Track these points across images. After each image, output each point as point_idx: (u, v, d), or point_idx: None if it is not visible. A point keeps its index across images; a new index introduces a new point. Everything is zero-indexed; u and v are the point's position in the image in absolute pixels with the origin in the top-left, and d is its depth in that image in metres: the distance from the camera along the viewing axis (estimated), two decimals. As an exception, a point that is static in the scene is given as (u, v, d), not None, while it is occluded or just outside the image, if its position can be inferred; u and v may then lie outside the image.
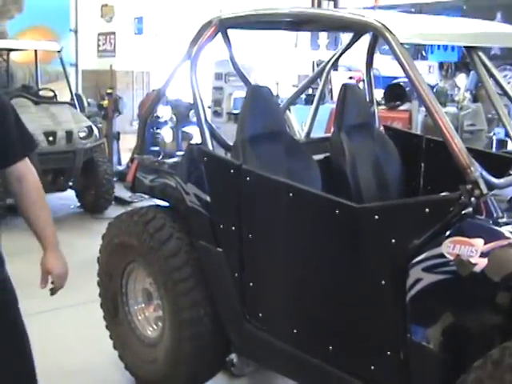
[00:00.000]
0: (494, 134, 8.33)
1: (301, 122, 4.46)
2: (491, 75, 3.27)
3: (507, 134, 3.22)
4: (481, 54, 3.20)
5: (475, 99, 8.79)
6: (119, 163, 9.61)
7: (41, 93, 8.81)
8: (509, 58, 9.60)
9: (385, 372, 2.66)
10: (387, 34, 2.64)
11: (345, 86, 3.89)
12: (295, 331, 3.01)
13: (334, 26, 3.89)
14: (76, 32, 14.90)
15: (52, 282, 2.63)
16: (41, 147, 7.29)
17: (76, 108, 8.23)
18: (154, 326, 3.76)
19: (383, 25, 2.67)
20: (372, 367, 2.67)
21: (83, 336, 4.45)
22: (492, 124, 8.43)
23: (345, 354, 2.82)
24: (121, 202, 8.07)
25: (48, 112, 7.78)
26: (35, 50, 9.04)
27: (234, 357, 3.70)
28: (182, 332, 3.38)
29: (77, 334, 4.49)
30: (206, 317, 3.36)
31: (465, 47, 3.25)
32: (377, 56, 4.28)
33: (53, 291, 2.65)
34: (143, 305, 3.82)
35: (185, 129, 9.53)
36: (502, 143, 8.13)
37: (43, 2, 13.66)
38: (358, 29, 3.68)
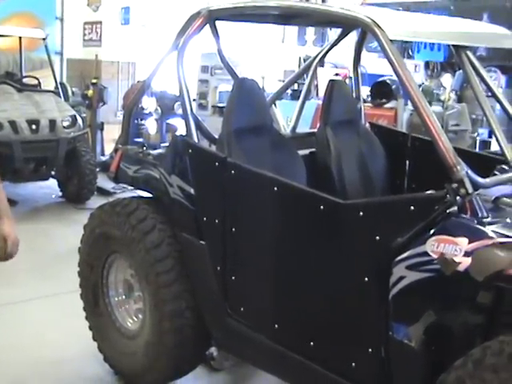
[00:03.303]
0: (478, 134, 8.40)
1: (286, 117, 4.45)
2: (479, 75, 3.28)
3: (492, 134, 3.23)
4: (469, 53, 3.21)
5: (460, 99, 8.85)
6: (102, 153, 9.55)
7: (25, 80, 8.74)
8: (494, 59, 9.65)
9: (366, 369, 2.65)
10: (377, 30, 2.63)
11: (332, 82, 3.89)
12: (277, 326, 3.00)
13: (324, 21, 3.87)
14: (62, 20, 14.75)
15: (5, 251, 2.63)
16: (24, 135, 7.24)
17: (60, 97, 8.17)
18: (135, 318, 3.73)
19: (373, 21, 2.66)
20: (353, 364, 2.67)
21: (61, 326, 4.41)
22: (476, 124, 8.49)
23: (326, 350, 2.81)
24: (103, 192, 8.02)
25: (31, 100, 7.72)
26: (20, 37, 8.93)
27: (213, 350, 3.69)
28: (162, 325, 3.35)
29: (55, 325, 4.45)
30: (188, 310, 3.34)
31: (453, 46, 3.25)
32: (363, 53, 4.28)
33: (5, 258, 2.64)
34: (124, 296, 3.79)
35: (169, 121, 9.49)
36: (485, 144, 8.20)
37: (29, -12, 13.53)
38: (347, 24, 3.67)
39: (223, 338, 3.37)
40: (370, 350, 2.59)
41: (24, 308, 4.73)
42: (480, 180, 2.44)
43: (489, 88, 3.32)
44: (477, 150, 7.90)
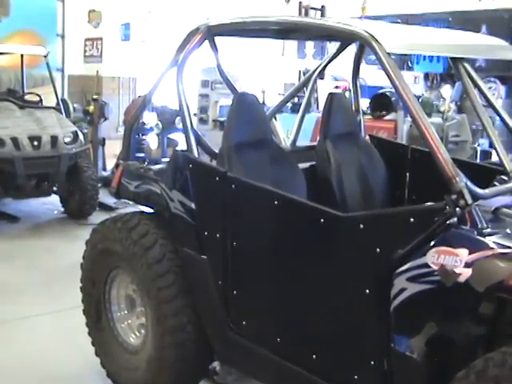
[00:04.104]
0: (479, 144, 8.41)
1: (286, 131, 4.47)
2: (476, 86, 3.29)
3: (492, 145, 3.24)
4: (466, 65, 3.22)
5: (460, 110, 8.87)
6: (104, 169, 9.58)
7: (26, 97, 8.79)
8: (493, 70, 9.68)
9: (368, 382, 2.65)
10: (374, 44, 2.65)
11: (331, 95, 3.91)
12: (279, 340, 3.00)
13: (322, 34, 3.90)
14: (63, 37, 14.83)
15: None
16: (25, 152, 7.27)
17: (61, 113, 8.20)
18: (137, 333, 3.73)
19: (370, 34, 2.68)
20: (355, 377, 2.67)
21: (65, 342, 4.41)
22: (476, 135, 8.50)
23: (328, 363, 2.81)
24: (105, 208, 8.03)
25: (33, 116, 7.75)
26: (21, 54, 8.99)
27: (216, 365, 3.68)
28: (164, 339, 3.35)
29: (59, 341, 4.45)
30: (189, 324, 3.34)
31: (451, 58, 3.27)
32: (363, 66, 4.29)
33: None
34: (126, 311, 3.79)
35: (170, 135, 9.52)
36: (486, 154, 8.20)
37: (30, 6, 13.58)
38: (345, 38, 3.69)
39: (226, 352, 3.37)
40: (372, 362, 2.58)
41: (27, 324, 4.73)
42: (479, 191, 2.45)
43: (487, 99, 3.33)
44: (478, 160, 7.90)
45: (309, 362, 2.85)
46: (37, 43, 12.35)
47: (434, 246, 2.34)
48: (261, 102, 4.05)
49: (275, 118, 4.31)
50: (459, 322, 2.40)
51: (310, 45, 12.18)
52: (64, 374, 4.02)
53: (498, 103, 3.52)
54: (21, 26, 13.54)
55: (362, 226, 2.59)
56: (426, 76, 11.13)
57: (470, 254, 2.26)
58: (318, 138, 4.01)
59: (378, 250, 2.52)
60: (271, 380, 3.20)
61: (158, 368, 3.42)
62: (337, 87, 9.37)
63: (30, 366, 4.09)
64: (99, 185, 8.00)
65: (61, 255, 6.44)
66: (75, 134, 7.77)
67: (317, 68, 4.27)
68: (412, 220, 2.43)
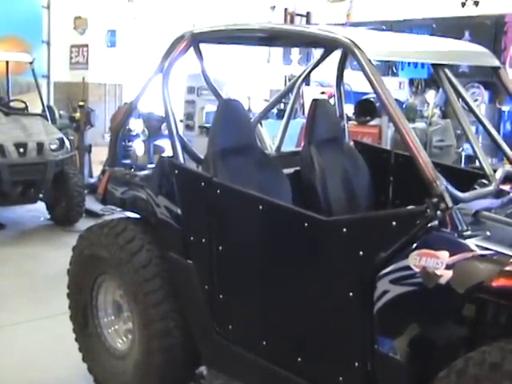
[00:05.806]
0: (463, 149, 8.45)
1: (272, 137, 4.50)
2: (457, 92, 3.33)
3: (473, 151, 3.28)
4: (447, 71, 3.26)
5: (444, 115, 8.91)
6: (90, 176, 9.56)
7: (12, 104, 8.77)
8: (477, 75, 9.74)
9: (352, 383, 2.68)
10: (356, 51, 2.70)
11: (315, 101, 3.94)
12: (264, 343, 3.03)
13: (305, 42, 3.95)
14: (48, 43, 14.81)
15: None
16: (11, 158, 7.26)
17: (47, 120, 8.20)
18: (124, 339, 3.74)
19: (352, 41, 2.73)
20: (340, 378, 2.70)
21: (52, 349, 4.41)
22: (461, 140, 8.53)
23: (313, 365, 2.84)
24: (92, 214, 8.01)
25: (19, 123, 7.75)
26: (6, 61, 8.97)
27: (203, 369, 3.70)
28: (151, 344, 3.37)
29: (46, 347, 4.45)
30: (176, 329, 3.37)
31: (432, 65, 3.32)
32: (348, 72, 4.33)
33: None
34: (113, 317, 3.81)
35: (157, 142, 9.52)
36: (470, 159, 8.25)
37: (15, 13, 13.56)
38: (327, 45, 3.73)
39: (212, 357, 3.39)
40: (357, 363, 2.62)
41: (14, 331, 4.73)
42: (460, 194, 2.49)
43: (468, 105, 3.38)
44: (462, 165, 7.96)
45: (294, 365, 2.88)
46: (22, 50, 12.32)
47: (415, 248, 2.38)
48: (247, 108, 4.09)
49: (261, 124, 4.34)
50: (441, 323, 2.43)
51: (295, 51, 12.23)
52: (51, 380, 4.02)
53: (482, 108, 3.57)
54: (6, 32, 13.50)
55: (345, 229, 2.63)
56: (411, 82, 11.18)
57: (450, 256, 2.30)
58: (302, 144, 4.04)
59: (361, 253, 2.56)
60: (258, 383, 3.22)
61: (145, 373, 3.43)
62: (323, 93, 9.40)
63: (17, 372, 4.09)
64: (85, 191, 8.00)
65: (47, 262, 6.43)
66: (61, 141, 7.77)
67: (301, 74, 4.31)
68: (394, 223, 2.47)
